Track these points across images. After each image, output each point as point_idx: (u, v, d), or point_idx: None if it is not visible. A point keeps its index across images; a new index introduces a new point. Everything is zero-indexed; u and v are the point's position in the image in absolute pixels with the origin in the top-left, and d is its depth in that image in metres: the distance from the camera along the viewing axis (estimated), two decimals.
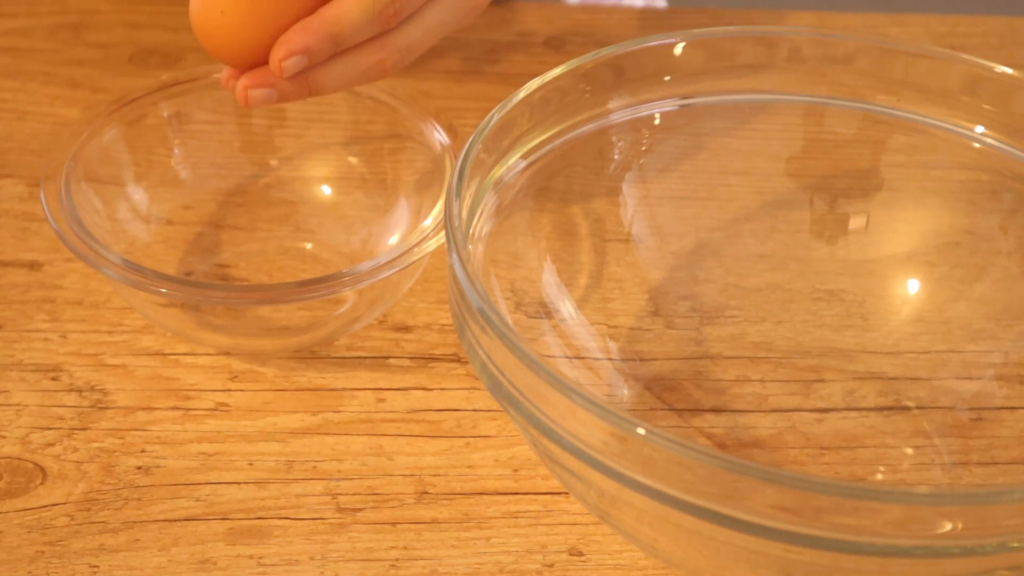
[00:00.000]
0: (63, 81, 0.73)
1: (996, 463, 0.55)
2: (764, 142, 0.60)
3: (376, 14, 0.54)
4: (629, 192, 0.59)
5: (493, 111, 0.52)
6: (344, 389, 0.58)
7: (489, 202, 0.53)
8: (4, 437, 0.55)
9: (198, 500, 0.53)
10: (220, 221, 0.64)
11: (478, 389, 0.58)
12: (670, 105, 0.58)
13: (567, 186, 0.57)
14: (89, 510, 0.52)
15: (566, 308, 0.57)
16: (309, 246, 0.64)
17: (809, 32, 0.57)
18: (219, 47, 0.55)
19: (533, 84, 0.53)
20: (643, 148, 0.59)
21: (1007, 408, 0.56)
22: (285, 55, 0.54)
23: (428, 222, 0.57)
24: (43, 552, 0.51)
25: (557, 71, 0.54)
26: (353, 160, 0.66)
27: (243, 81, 0.55)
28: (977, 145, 0.57)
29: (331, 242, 0.63)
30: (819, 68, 0.58)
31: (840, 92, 0.58)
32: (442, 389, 0.58)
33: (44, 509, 0.52)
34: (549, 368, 0.42)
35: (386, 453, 0.55)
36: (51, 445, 0.55)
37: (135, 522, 0.52)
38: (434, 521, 0.53)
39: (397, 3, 0.55)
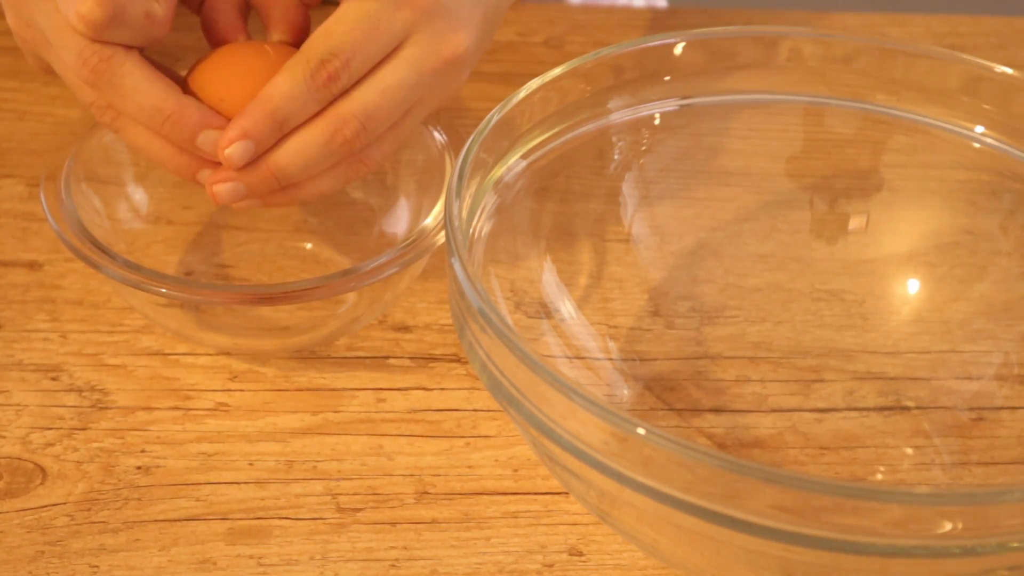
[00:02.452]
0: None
1: (996, 463, 0.55)
2: (764, 142, 0.60)
3: (307, 79, 0.52)
4: (629, 192, 0.59)
5: (493, 111, 0.52)
6: (344, 389, 0.58)
7: (489, 202, 0.53)
8: (4, 437, 0.55)
9: (198, 500, 0.53)
10: (220, 221, 0.64)
11: (478, 389, 0.58)
12: (670, 105, 0.58)
13: (567, 186, 0.57)
14: (89, 510, 0.52)
15: (566, 308, 0.57)
16: (309, 246, 0.64)
17: (809, 32, 0.57)
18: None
19: (533, 84, 0.53)
20: (643, 148, 0.59)
21: (1007, 408, 0.56)
22: (226, 144, 0.52)
23: (428, 222, 0.57)
24: (43, 552, 0.51)
25: (557, 71, 0.54)
26: None
27: (209, 177, 0.53)
28: (977, 145, 0.57)
29: (331, 242, 0.63)
30: (819, 68, 0.58)
31: (840, 92, 0.58)
32: (442, 389, 0.58)
33: (44, 509, 0.52)
34: (549, 368, 0.42)
35: (386, 453, 0.55)
36: (51, 445, 0.55)
37: (135, 522, 0.52)
38: (434, 521, 0.53)
39: (330, 65, 0.52)
